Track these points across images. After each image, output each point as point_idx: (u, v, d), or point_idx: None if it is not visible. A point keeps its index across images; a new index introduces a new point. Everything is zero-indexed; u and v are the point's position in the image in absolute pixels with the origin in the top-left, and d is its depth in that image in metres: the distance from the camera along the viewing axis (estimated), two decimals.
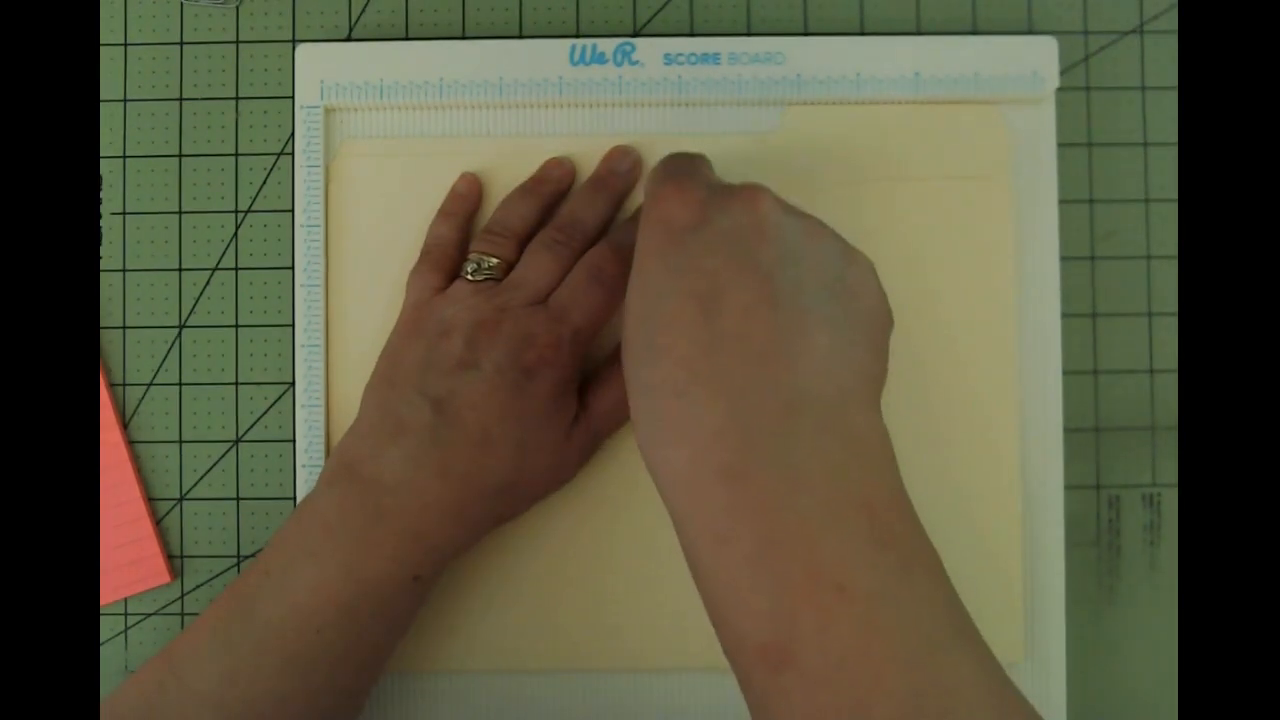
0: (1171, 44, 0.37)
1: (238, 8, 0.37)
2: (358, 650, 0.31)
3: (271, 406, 0.37)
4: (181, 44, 0.37)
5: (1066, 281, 0.37)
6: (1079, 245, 0.37)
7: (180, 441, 0.37)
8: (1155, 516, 0.37)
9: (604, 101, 0.36)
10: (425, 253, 0.35)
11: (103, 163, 0.37)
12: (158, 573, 0.36)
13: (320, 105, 0.36)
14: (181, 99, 0.37)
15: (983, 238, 0.36)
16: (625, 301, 0.28)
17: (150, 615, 0.37)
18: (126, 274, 0.37)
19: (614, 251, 0.34)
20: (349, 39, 0.38)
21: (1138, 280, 0.37)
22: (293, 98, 0.37)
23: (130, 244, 0.37)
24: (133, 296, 0.37)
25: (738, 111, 0.37)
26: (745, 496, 0.24)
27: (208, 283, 0.37)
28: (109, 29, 0.37)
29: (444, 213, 0.36)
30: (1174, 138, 0.37)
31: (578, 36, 0.37)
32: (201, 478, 0.37)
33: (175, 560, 0.37)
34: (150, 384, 0.37)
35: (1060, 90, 0.37)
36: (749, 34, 0.37)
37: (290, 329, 0.37)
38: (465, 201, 0.36)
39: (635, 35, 0.37)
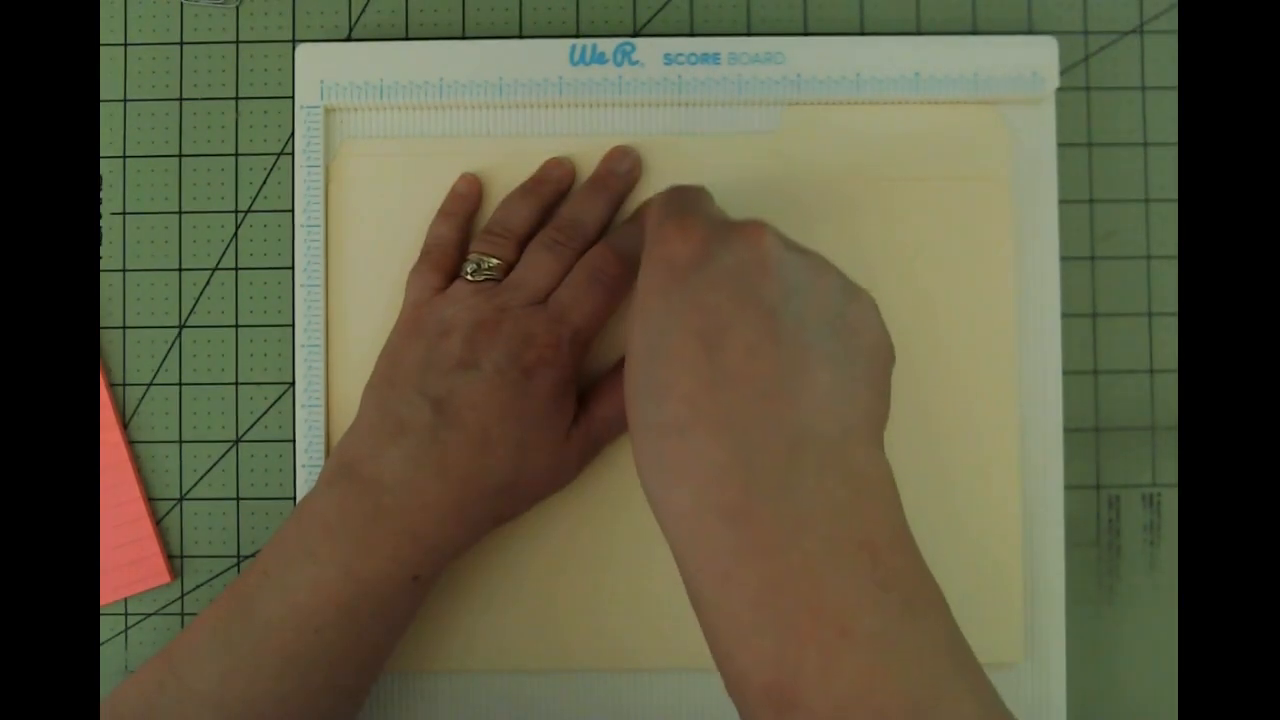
0: (1171, 44, 0.37)
1: (238, 8, 0.37)
2: (357, 650, 0.31)
3: (271, 406, 0.37)
4: (181, 44, 0.37)
5: (1066, 281, 0.37)
6: (1079, 245, 0.37)
7: (180, 441, 0.37)
8: (1155, 516, 0.37)
9: (604, 101, 0.36)
10: (425, 253, 0.35)
11: (103, 163, 0.37)
12: (158, 573, 0.36)
13: (320, 105, 0.36)
14: (181, 99, 0.37)
15: (983, 238, 0.36)
16: (627, 339, 0.28)
17: (150, 615, 0.37)
18: (126, 274, 0.37)
19: (614, 252, 0.34)
20: (349, 39, 0.38)
21: (1138, 280, 0.37)
22: (293, 98, 0.37)
23: (130, 244, 0.37)
24: (133, 296, 0.37)
25: (738, 111, 0.37)
26: (748, 536, 0.24)
27: (208, 283, 0.37)
28: (109, 29, 0.37)
29: (444, 213, 0.36)
30: (1174, 138, 0.37)
31: (578, 36, 0.37)
32: (201, 478, 0.37)
33: (175, 560, 0.37)
34: (150, 384, 0.37)
35: (1060, 90, 0.37)
36: (749, 34, 0.37)
37: (290, 329, 0.37)
38: (465, 201, 0.36)
39: (635, 35, 0.37)
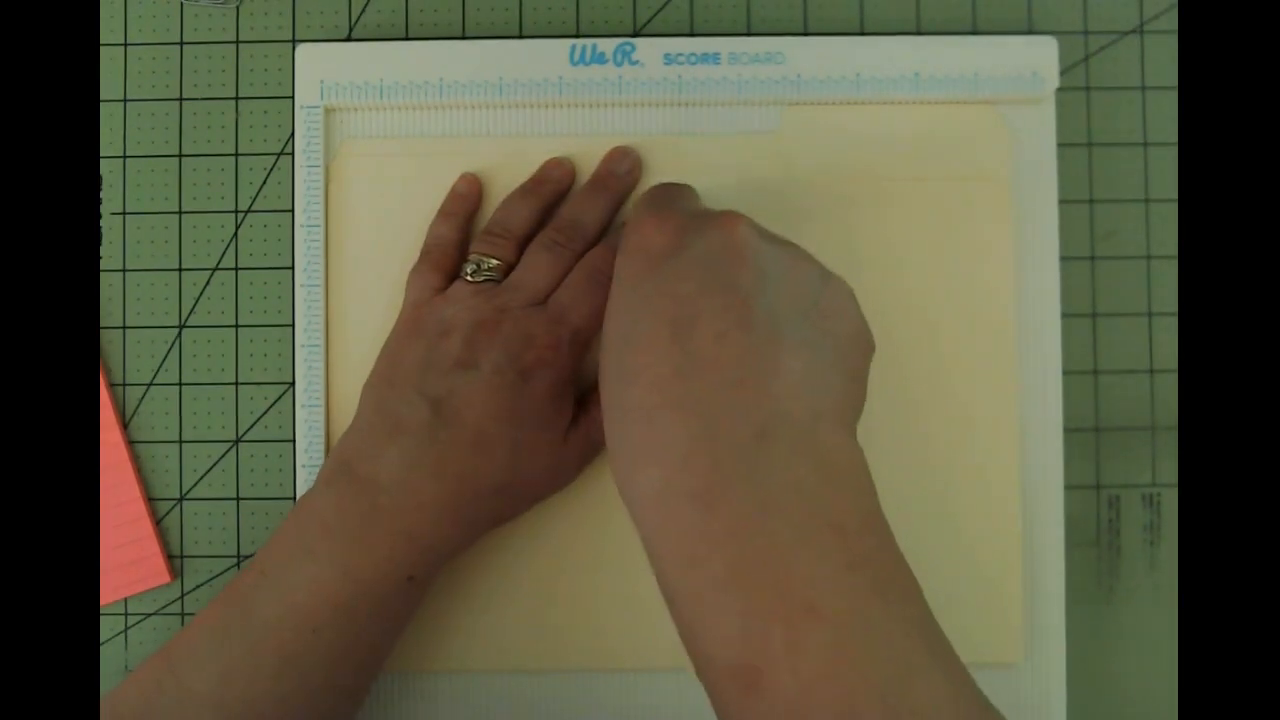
0: (1171, 44, 0.37)
1: (238, 8, 0.37)
2: (355, 650, 0.31)
3: (271, 406, 0.37)
4: (181, 44, 0.37)
5: (1066, 281, 0.37)
6: (1079, 245, 0.37)
7: (180, 441, 0.37)
8: (1155, 516, 0.37)
9: (604, 101, 0.36)
10: (425, 253, 0.35)
11: (103, 163, 0.37)
12: (158, 573, 0.36)
13: (320, 105, 0.36)
14: (181, 99, 0.37)
15: (983, 238, 0.36)
16: (603, 326, 0.28)
17: (150, 615, 0.37)
18: (126, 274, 0.37)
19: (614, 253, 0.34)
20: (349, 39, 0.38)
21: (1138, 280, 0.37)
22: (293, 98, 0.37)
23: (130, 244, 0.37)
24: (133, 296, 0.37)
25: (738, 111, 0.37)
26: (715, 519, 0.24)
27: (208, 283, 0.37)
28: (109, 29, 0.37)
29: (444, 213, 0.36)
30: (1174, 138, 0.37)
31: (578, 36, 0.37)
32: (201, 478, 0.37)
33: (175, 560, 0.37)
34: (150, 384, 0.37)
35: (1060, 90, 0.37)
36: (749, 34, 0.37)
37: (290, 329, 0.37)
38: (465, 201, 0.36)
39: (635, 35, 0.37)
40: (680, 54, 0.36)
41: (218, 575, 0.37)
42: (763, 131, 0.37)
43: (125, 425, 0.37)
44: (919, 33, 0.37)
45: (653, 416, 0.25)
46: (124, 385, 0.37)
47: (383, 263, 0.36)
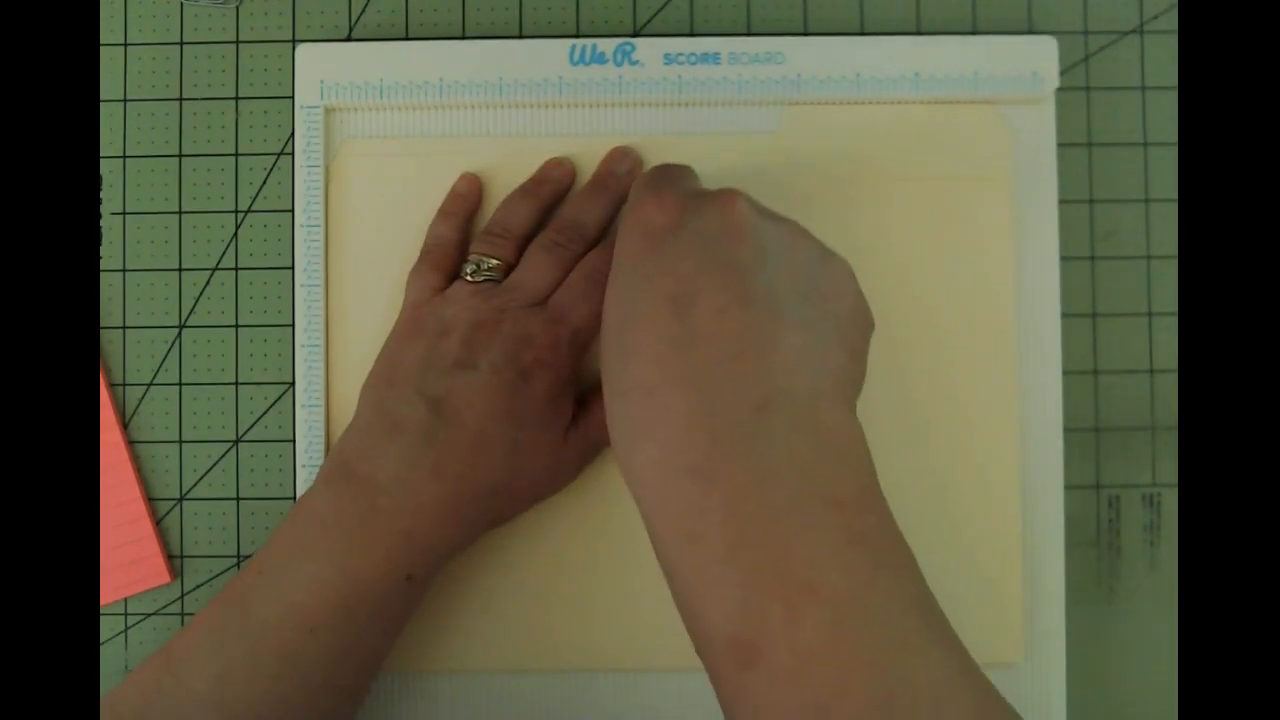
0: (1171, 44, 0.37)
1: (238, 8, 0.37)
2: (354, 650, 0.31)
3: (271, 406, 0.37)
4: (181, 44, 0.37)
5: (1066, 281, 0.37)
6: (1079, 245, 0.37)
7: (180, 441, 0.37)
8: (1155, 516, 0.37)
9: (604, 101, 0.36)
10: (425, 253, 0.35)
11: (103, 163, 0.37)
12: (158, 573, 0.36)
13: (320, 105, 0.36)
14: (181, 99, 0.37)
15: (982, 238, 0.36)
16: (604, 306, 0.28)
17: (150, 615, 0.37)
18: (126, 274, 0.37)
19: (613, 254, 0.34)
20: (349, 39, 0.38)
21: (1138, 280, 0.37)
22: (293, 98, 0.37)
23: (130, 244, 0.37)
24: (133, 296, 0.37)
25: (738, 111, 0.37)
26: (714, 495, 0.24)
27: (208, 283, 0.37)
28: (109, 29, 0.37)
29: (444, 213, 0.36)
30: (1174, 138, 0.37)
31: (578, 36, 0.37)
32: (201, 478, 0.37)
33: (175, 560, 0.37)
34: (150, 384, 0.37)
35: (1060, 90, 0.37)
36: (749, 34, 0.37)
37: (290, 329, 0.37)
38: (465, 201, 0.36)
39: (635, 35, 0.37)
40: (680, 54, 0.36)
41: (218, 575, 0.37)
42: (763, 131, 0.37)
43: (125, 425, 0.37)
44: (919, 33, 0.37)
45: (652, 392, 0.25)
46: (124, 385, 0.37)
47: (383, 263, 0.36)
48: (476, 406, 0.31)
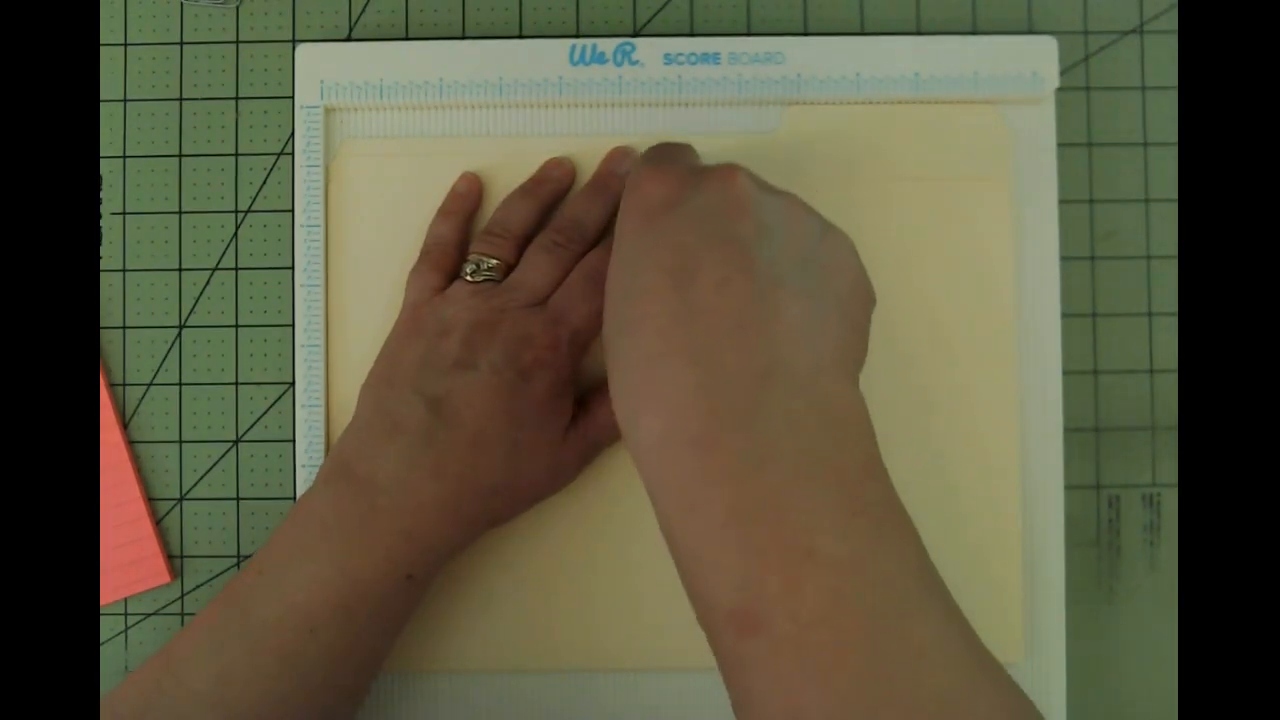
0: (1171, 44, 0.37)
1: (238, 8, 0.37)
2: (354, 650, 0.31)
3: (271, 406, 0.37)
4: (181, 44, 0.37)
5: (1066, 281, 0.37)
6: (1079, 245, 0.37)
7: (180, 441, 0.37)
8: (1155, 516, 0.37)
9: (604, 101, 0.36)
10: (425, 253, 0.35)
11: (103, 163, 0.37)
12: (158, 573, 0.36)
13: (320, 105, 0.36)
14: (181, 99, 0.37)
15: (983, 238, 0.36)
16: (607, 280, 0.28)
17: (150, 615, 0.37)
18: (126, 274, 0.37)
19: None
20: (349, 39, 0.38)
21: (1138, 280, 0.37)
22: (293, 98, 0.37)
23: (130, 244, 0.37)
24: (133, 296, 0.37)
25: (738, 111, 0.37)
26: (716, 463, 0.24)
27: (208, 283, 0.37)
28: (109, 29, 0.37)
29: (444, 212, 0.36)
30: (1174, 138, 0.37)
31: (578, 36, 0.37)
32: (201, 478, 0.37)
33: (175, 560, 0.37)
34: (150, 384, 0.37)
35: (1060, 90, 0.37)
36: (749, 34, 0.37)
37: (290, 329, 0.37)
38: (465, 201, 0.36)
39: (635, 35, 0.37)
40: (680, 54, 0.36)
41: (218, 575, 0.37)
42: (763, 131, 0.37)
43: (125, 425, 0.37)
44: (919, 33, 0.37)
45: (654, 364, 0.25)
46: (124, 385, 0.37)
47: (383, 263, 0.36)
48: (476, 406, 0.31)
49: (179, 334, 0.37)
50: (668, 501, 0.25)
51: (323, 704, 0.31)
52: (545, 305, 0.33)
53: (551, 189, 0.36)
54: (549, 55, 0.36)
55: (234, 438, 0.37)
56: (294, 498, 0.37)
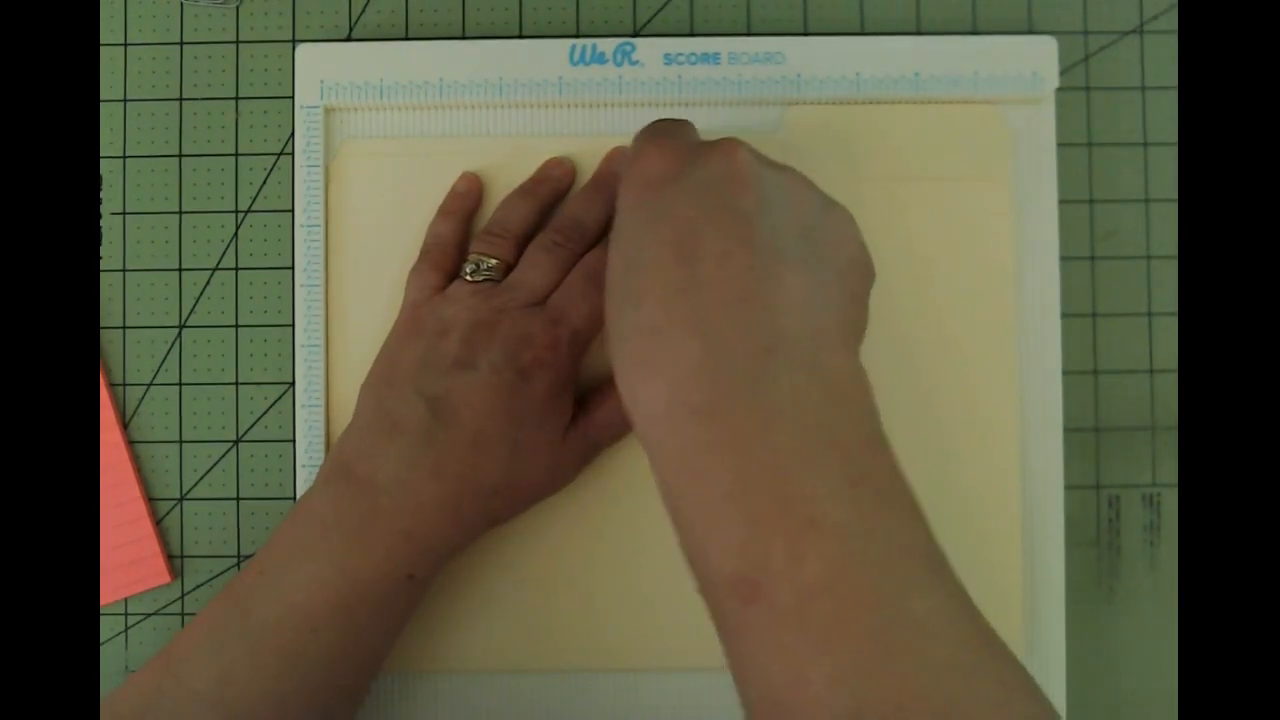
0: (1171, 44, 0.37)
1: (238, 8, 0.37)
2: (355, 650, 0.31)
3: (271, 406, 0.37)
4: (181, 44, 0.37)
5: (1066, 281, 0.37)
6: (1079, 245, 0.37)
7: (180, 441, 0.37)
8: (1155, 516, 0.37)
9: (604, 101, 0.36)
10: (425, 252, 0.35)
11: (103, 163, 0.37)
12: (158, 573, 0.36)
13: (320, 105, 0.36)
14: (181, 99, 0.37)
15: (983, 238, 0.36)
16: (608, 253, 0.28)
17: (150, 615, 0.37)
18: (126, 274, 0.37)
19: None
20: (349, 39, 0.38)
21: (1138, 280, 0.37)
22: (293, 98, 0.37)
23: (130, 244, 0.37)
24: (133, 296, 0.37)
25: (738, 111, 0.37)
26: (719, 433, 0.24)
27: (208, 283, 0.37)
28: (109, 29, 0.37)
29: (444, 212, 0.36)
30: (1174, 138, 0.37)
31: (578, 36, 0.37)
32: (201, 478, 0.37)
33: (175, 560, 0.37)
34: (150, 384, 0.37)
35: (1060, 90, 0.37)
36: (749, 34, 0.37)
37: (290, 329, 0.37)
38: (465, 201, 0.36)
39: (635, 35, 0.37)
40: (680, 54, 0.36)
41: (218, 575, 0.37)
42: (763, 131, 0.37)
43: (125, 425, 0.37)
44: (919, 33, 0.37)
45: (658, 334, 0.25)
46: (124, 385, 0.37)
47: (383, 263, 0.36)
48: (476, 406, 0.31)
49: (179, 334, 0.37)
50: (670, 471, 0.25)
51: (323, 704, 0.31)
52: (545, 305, 0.33)
53: (551, 189, 0.36)
54: (549, 55, 0.36)
55: (234, 438, 0.37)
56: (294, 498, 0.37)
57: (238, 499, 0.37)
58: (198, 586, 0.37)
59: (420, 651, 0.35)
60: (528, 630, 0.35)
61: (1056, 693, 0.36)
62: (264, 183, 0.37)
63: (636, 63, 0.36)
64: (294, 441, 0.36)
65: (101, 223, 0.37)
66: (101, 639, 0.36)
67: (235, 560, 0.37)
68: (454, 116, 0.37)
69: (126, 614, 0.37)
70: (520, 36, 0.37)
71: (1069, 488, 0.36)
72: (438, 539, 0.31)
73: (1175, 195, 0.37)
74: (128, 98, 0.37)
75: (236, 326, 0.37)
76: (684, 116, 0.36)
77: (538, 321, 0.32)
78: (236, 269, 0.37)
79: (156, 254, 0.37)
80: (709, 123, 0.37)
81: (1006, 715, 0.23)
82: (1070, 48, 0.37)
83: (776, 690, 0.23)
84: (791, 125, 0.36)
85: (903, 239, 0.36)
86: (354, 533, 0.30)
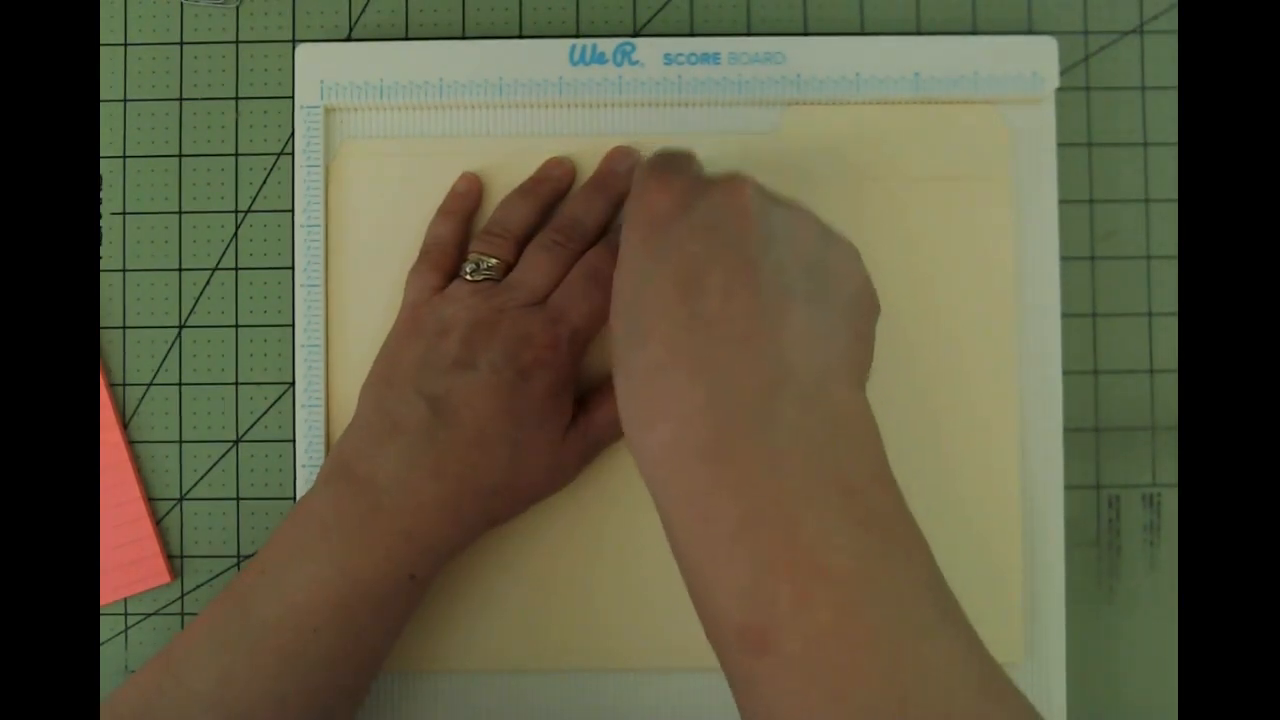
0: (1171, 44, 0.37)
1: (238, 8, 0.37)
2: (355, 650, 0.31)
3: (271, 406, 0.37)
4: (181, 44, 0.37)
5: (1066, 281, 0.37)
6: (1079, 245, 0.37)
7: (180, 441, 0.37)
8: (1155, 516, 0.37)
9: (604, 101, 0.36)
10: (424, 252, 0.35)
11: (103, 163, 0.37)
12: (158, 573, 0.36)
13: (320, 105, 0.36)
14: (181, 99, 0.37)
15: (983, 238, 0.36)
16: (613, 291, 0.28)
17: (150, 615, 0.37)
18: (126, 274, 0.37)
19: (613, 253, 0.33)
20: (349, 39, 0.38)
21: (1138, 280, 0.37)
22: (293, 98, 0.37)
23: (130, 244, 0.37)
24: (133, 296, 0.37)
25: (738, 111, 0.37)
26: (725, 475, 0.24)
27: (208, 283, 0.37)
28: (109, 29, 0.37)
29: (444, 212, 0.36)
30: (1174, 138, 0.37)
31: (578, 36, 0.37)
32: (201, 478, 0.37)
33: (175, 560, 0.37)
34: (150, 384, 0.37)
35: (1060, 90, 0.37)
36: (749, 34, 0.37)
37: (290, 329, 0.37)
38: (465, 201, 0.36)
39: (635, 35, 0.37)
40: (680, 54, 0.36)
41: (218, 575, 0.37)
42: (763, 131, 0.37)
43: (125, 425, 0.37)
44: (919, 33, 0.37)
45: (663, 374, 0.25)
46: (124, 385, 0.37)
47: (383, 263, 0.36)
48: (476, 406, 0.31)
49: (179, 334, 0.37)
50: (675, 511, 0.25)
51: (323, 704, 0.31)
52: (545, 304, 0.33)
53: (551, 188, 0.36)
54: (549, 55, 0.36)
55: (234, 438, 0.37)
56: (294, 498, 0.37)
57: (238, 499, 0.37)
58: (198, 586, 0.37)
59: (420, 651, 0.35)
60: (528, 630, 0.35)
61: (1056, 693, 0.36)
62: (264, 183, 0.37)
63: (636, 63, 0.36)
64: (294, 441, 0.36)
65: (101, 223, 0.37)
66: (101, 639, 0.36)
67: (235, 560, 0.37)
68: (454, 116, 0.37)
69: (126, 614, 0.37)
70: (520, 36, 0.37)
71: (1069, 488, 0.36)
72: (438, 539, 0.31)
73: (1175, 195, 0.37)
74: (128, 98, 0.37)
75: (236, 326, 0.37)
76: (684, 117, 0.37)
77: (538, 321, 0.32)
78: (236, 269, 0.37)
79: (156, 254, 0.37)
80: (709, 123, 0.37)
81: None
82: (1070, 48, 0.37)
83: None
84: (791, 125, 0.36)
85: (903, 239, 0.36)
86: (354, 533, 0.30)
